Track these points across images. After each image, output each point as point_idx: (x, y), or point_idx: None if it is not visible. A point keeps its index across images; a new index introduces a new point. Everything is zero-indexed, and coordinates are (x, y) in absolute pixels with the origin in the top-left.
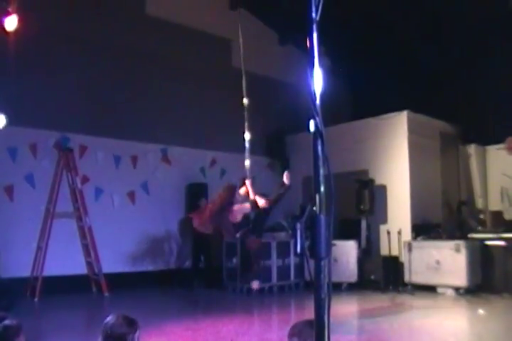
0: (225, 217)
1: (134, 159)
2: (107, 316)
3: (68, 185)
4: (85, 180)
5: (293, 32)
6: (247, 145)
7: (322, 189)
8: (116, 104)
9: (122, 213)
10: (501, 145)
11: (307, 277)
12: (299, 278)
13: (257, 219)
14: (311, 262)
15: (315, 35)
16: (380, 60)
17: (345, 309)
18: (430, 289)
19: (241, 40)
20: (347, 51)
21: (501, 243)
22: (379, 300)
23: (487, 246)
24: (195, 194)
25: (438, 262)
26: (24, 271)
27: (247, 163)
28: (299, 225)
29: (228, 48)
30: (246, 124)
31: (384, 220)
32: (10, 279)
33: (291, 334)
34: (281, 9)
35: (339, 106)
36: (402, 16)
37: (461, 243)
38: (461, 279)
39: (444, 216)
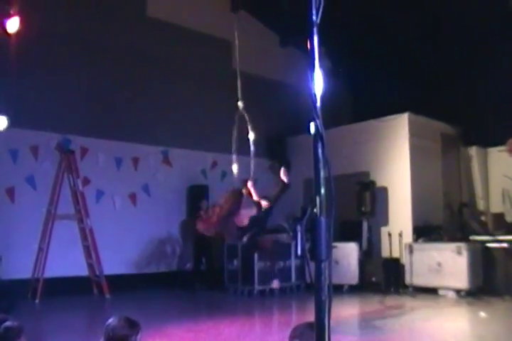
0: (230, 221)
1: (135, 161)
2: (109, 318)
3: (69, 187)
4: (86, 182)
5: (294, 33)
6: (252, 148)
7: (322, 191)
8: (117, 105)
9: (123, 215)
10: (502, 147)
11: (308, 279)
12: (300, 280)
13: (259, 219)
14: (312, 264)
15: (315, 38)
16: (381, 62)
17: (346, 311)
18: (431, 291)
19: (237, 41)
20: (347, 53)
21: (503, 245)
22: (380, 302)
23: (488, 248)
24: (197, 196)
25: (439, 264)
26: (25, 272)
27: (253, 165)
28: (299, 227)
29: (229, 50)
30: (235, 128)
31: (385, 222)
32: (11, 281)
33: (292, 337)
34: (282, 11)
35: (340, 108)
36: (403, 18)
37: (463, 245)
38: (462, 281)
39: (445, 218)
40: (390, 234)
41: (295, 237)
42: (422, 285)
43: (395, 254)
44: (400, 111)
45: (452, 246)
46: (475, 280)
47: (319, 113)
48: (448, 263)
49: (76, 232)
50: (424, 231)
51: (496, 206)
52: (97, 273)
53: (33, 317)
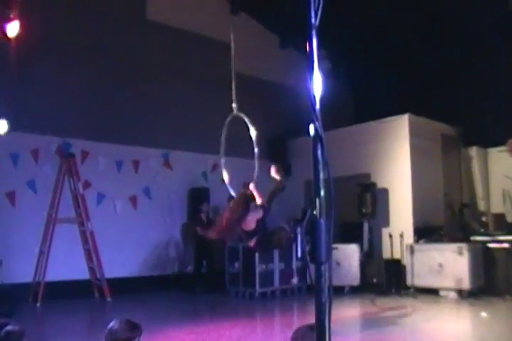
0: (238, 226)
1: (136, 164)
2: (110, 321)
3: (70, 191)
4: (87, 185)
5: (294, 35)
6: (256, 149)
7: (322, 193)
8: (117, 108)
9: (124, 218)
10: (503, 148)
11: (309, 281)
12: (301, 281)
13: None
14: (312, 266)
15: (314, 41)
16: (381, 63)
17: (347, 312)
18: (433, 292)
19: (232, 43)
20: (348, 54)
21: (503, 245)
22: (381, 304)
23: (489, 248)
24: (197, 198)
25: (440, 265)
26: (26, 276)
27: (257, 166)
28: (299, 230)
29: (229, 52)
30: (224, 130)
31: (386, 223)
32: (12, 285)
33: (294, 339)
34: (282, 12)
35: (340, 110)
36: (403, 19)
37: (464, 246)
38: (463, 282)
39: (446, 218)
40: (390, 235)
41: (295, 240)
42: (423, 286)
43: (396, 255)
44: (400, 112)
45: (453, 246)
46: (476, 281)
47: (318, 115)
48: (449, 264)
49: (77, 236)
50: (425, 232)
51: (497, 206)
52: (98, 276)
53: (34, 320)
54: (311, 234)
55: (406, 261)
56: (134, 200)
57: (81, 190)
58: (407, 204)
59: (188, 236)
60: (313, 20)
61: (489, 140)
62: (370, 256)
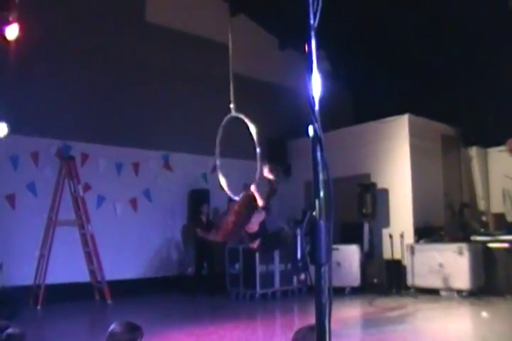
0: (243, 228)
1: (136, 166)
2: (111, 324)
3: (70, 193)
4: (87, 187)
5: (292, 36)
6: (258, 149)
7: (322, 194)
8: (117, 111)
9: (124, 220)
10: (503, 147)
11: (309, 282)
12: (301, 283)
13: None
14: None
15: (313, 42)
16: (381, 63)
17: (348, 313)
18: (433, 292)
19: (230, 43)
20: (347, 55)
21: (504, 245)
22: (382, 304)
23: (490, 248)
24: (198, 200)
25: (441, 265)
26: (27, 279)
27: (258, 167)
28: (299, 231)
29: (228, 54)
30: (219, 131)
31: (386, 224)
32: (13, 288)
33: (295, 340)
34: (281, 14)
35: (340, 110)
36: (402, 19)
37: (464, 246)
38: (464, 282)
39: (446, 218)
40: (391, 236)
41: (295, 241)
42: (424, 286)
43: (397, 256)
44: (400, 112)
45: (453, 246)
46: (476, 281)
47: (317, 116)
48: (449, 264)
49: (77, 238)
50: (426, 232)
51: (497, 206)
52: (99, 278)
53: (35, 323)
54: (310, 235)
55: (406, 261)
56: (134, 202)
57: (81, 193)
58: (407, 204)
59: (189, 237)
60: (312, 21)
61: (489, 140)
62: (371, 256)
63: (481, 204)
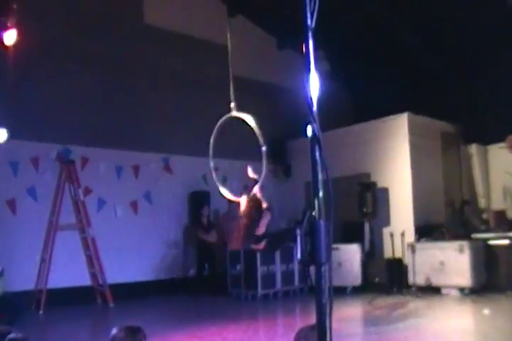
0: (254, 230)
1: (136, 169)
2: (113, 327)
3: (71, 197)
4: (88, 191)
5: (290, 36)
6: (263, 148)
7: (321, 194)
8: (116, 114)
9: (125, 223)
10: (503, 144)
11: (309, 282)
12: (303, 283)
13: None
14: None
15: (311, 43)
16: (380, 63)
17: (350, 312)
18: (435, 290)
19: (229, 43)
20: (346, 54)
21: (505, 242)
22: (384, 303)
23: (490, 245)
24: (198, 202)
25: (442, 263)
26: (28, 284)
27: (264, 168)
28: (298, 231)
29: (228, 55)
30: (214, 131)
31: (387, 223)
32: (14, 293)
33: (296, 339)
34: (279, 14)
35: (339, 110)
36: (401, 18)
37: (465, 243)
38: (465, 279)
39: (446, 216)
40: (392, 235)
41: (295, 241)
42: (425, 284)
43: (398, 254)
44: (399, 111)
45: (454, 244)
46: (478, 278)
47: (316, 116)
48: (450, 262)
49: (78, 242)
50: (426, 231)
51: (497, 203)
52: (101, 282)
53: (37, 328)
54: (310, 235)
55: (407, 259)
56: (134, 205)
57: (81, 197)
58: (407, 203)
59: (190, 239)
60: (309, 21)
61: (489, 137)
62: (372, 255)
63: (482, 202)
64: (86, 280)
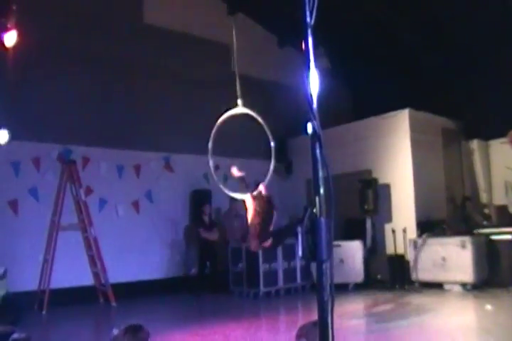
0: (268, 227)
1: (137, 168)
2: (116, 326)
3: (72, 197)
4: (89, 191)
5: (291, 33)
6: (272, 145)
7: (322, 191)
8: (117, 113)
9: (127, 223)
10: (504, 139)
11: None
12: (305, 280)
13: None
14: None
15: (310, 40)
16: (380, 59)
17: (352, 309)
18: (437, 286)
19: (235, 40)
20: (346, 51)
21: (507, 237)
22: (386, 299)
23: (492, 240)
24: (200, 200)
25: (444, 259)
26: (31, 284)
27: (272, 166)
28: (299, 229)
29: (228, 53)
30: (214, 130)
31: (389, 219)
32: (17, 293)
33: (298, 335)
34: (279, 11)
35: (340, 107)
36: (401, 15)
37: (467, 239)
38: (467, 275)
39: (448, 212)
40: (393, 231)
41: (296, 239)
42: (428, 280)
43: (400, 251)
44: (400, 107)
45: (456, 240)
46: (480, 274)
47: (316, 114)
48: (452, 258)
49: (80, 242)
50: (428, 227)
51: (499, 198)
52: (103, 281)
53: (40, 328)
54: (311, 232)
55: (409, 256)
56: (136, 205)
57: (83, 196)
58: (409, 199)
59: (191, 238)
60: (308, 19)
61: (490, 132)
62: (374, 252)
63: (483, 197)
64: (88, 280)
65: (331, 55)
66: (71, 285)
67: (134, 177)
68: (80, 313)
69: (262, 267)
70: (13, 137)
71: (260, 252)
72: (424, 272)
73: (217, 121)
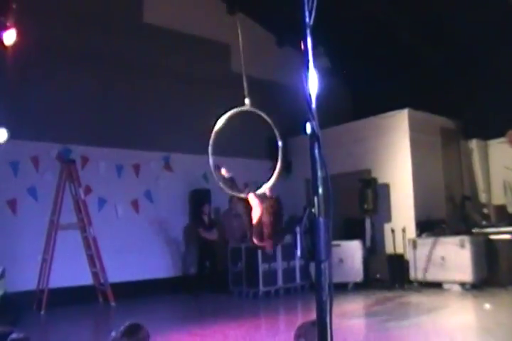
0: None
1: (136, 168)
2: (115, 326)
3: (71, 197)
4: (88, 190)
5: (290, 33)
6: (280, 144)
7: (320, 191)
8: (116, 113)
9: (126, 222)
10: (503, 139)
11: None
12: (304, 280)
13: None
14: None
15: (309, 40)
16: (379, 58)
17: (351, 308)
18: (436, 285)
19: (240, 39)
20: (346, 50)
21: (506, 236)
22: (385, 299)
23: (491, 240)
24: (199, 200)
25: (443, 258)
26: (30, 284)
27: (279, 164)
28: (298, 228)
29: (227, 53)
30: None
31: (388, 219)
32: (16, 293)
33: (297, 335)
34: (278, 11)
35: (339, 106)
36: (401, 14)
37: (466, 238)
38: (466, 274)
39: (447, 212)
40: (393, 231)
41: (295, 238)
42: (427, 279)
43: (399, 250)
44: (399, 107)
45: (455, 239)
46: (479, 273)
47: (315, 114)
48: (452, 257)
49: (79, 241)
50: (427, 226)
51: (498, 198)
52: (102, 281)
53: (39, 328)
54: (310, 232)
55: (409, 255)
56: (135, 204)
57: (82, 196)
58: (408, 198)
59: (191, 237)
60: (307, 19)
61: (489, 132)
62: (373, 251)
63: (482, 197)
64: (87, 280)
65: (331, 54)
66: (70, 284)
67: (133, 176)
68: (79, 313)
69: (262, 267)
70: (12, 136)
71: (259, 252)
72: (423, 271)
73: (215, 121)
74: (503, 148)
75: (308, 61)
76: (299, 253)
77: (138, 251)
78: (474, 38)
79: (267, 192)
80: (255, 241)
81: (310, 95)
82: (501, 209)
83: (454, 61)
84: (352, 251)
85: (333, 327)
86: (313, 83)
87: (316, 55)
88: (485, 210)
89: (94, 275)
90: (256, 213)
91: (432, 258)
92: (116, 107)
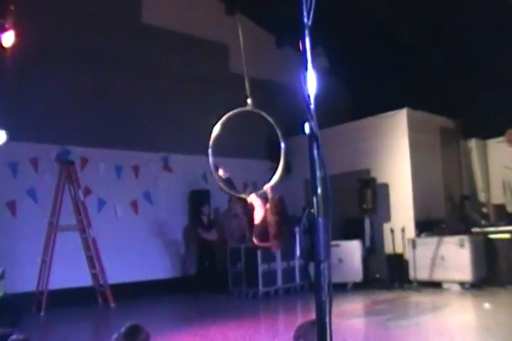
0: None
1: (136, 169)
2: (115, 327)
3: (71, 198)
4: (87, 192)
5: (289, 33)
6: (283, 146)
7: (319, 191)
8: (115, 114)
9: (126, 223)
10: (502, 138)
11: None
12: (304, 280)
13: None
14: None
15: (307, 40)
16: (378, 58)
17: (351, 308)
18: (435, 285)
19: (241, 39)
20: (345, 50)
21: (505, 236)
22: (385, 299)
23: (491, 239)
24: (198, 200)
25: (442, 258)
26: (30, 285)
27: (282, 163)
28: (297, 229)
29: (226, 53)
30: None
31: (387, 218)
32: (15, 294)
33: (296, 336)
34: (277, 11)
35: (338, 106)
36: (400, 13)
37: (465, 238)
38: (465, 274)
39: (447, 211)
40: (392, 230)
41: (294, 239)
42: (426, 279)
43: (398, 250)
44: (398, 106)
45: (455, 239)
46: (478, 272)
47: (313, 114)
48: (451, 257)
49: (79, 243)
50: (427, 226)
51: (497, 197)
52: (101, 282)
53: (38, 329)
54: (309, 232)
55: (408, 255)
56: (134, 205)
57: (81, 197)
58: (407, 198)
59: (190, 238)
60: (305, 19)
61: (488, 131)
62: (372, 251)
63: (482, 196)
64: (87, 281)
65: (330, 54)
66: (70, 286)
67: (132, 177)
68: (79, 314)
69: (261, 267)
70: (11, 138)
71: (259, 252)
72: (422, 271)
73: (214, 121)
74: (502, 148)
75: (306, 61)
76: (298, 253)
77: (137, 252)
78: (473, 37)
79: (268, 193)
80: (255, 241)
81: (308, 95)
82: (500, 208)
83: (453, 61)
84: (351, 251)
85: (333, 327)
86: (311, 83)
87: (315, 55)
88: (484, 210)
89: (94, 276)
90: (259, 213)
91: (432, 257)
92: (115, 108)
